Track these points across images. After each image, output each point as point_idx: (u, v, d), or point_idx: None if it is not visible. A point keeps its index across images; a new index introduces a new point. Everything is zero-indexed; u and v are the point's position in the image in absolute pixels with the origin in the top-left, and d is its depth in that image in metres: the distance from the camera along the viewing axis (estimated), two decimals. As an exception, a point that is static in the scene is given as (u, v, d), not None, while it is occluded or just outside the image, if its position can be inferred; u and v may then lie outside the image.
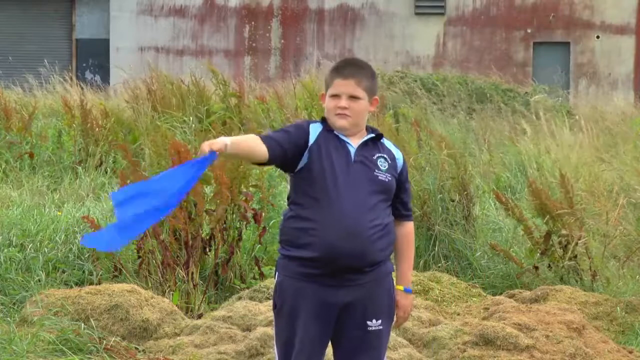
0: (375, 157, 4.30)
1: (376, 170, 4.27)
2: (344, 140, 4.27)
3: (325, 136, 4.26)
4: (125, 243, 4.00)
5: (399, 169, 4.36)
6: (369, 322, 4.29)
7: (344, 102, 4.27)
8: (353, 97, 4.28)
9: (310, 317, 4.23)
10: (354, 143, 4.29)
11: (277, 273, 4.35)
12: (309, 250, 4.19)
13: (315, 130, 4.27)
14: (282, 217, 4.35)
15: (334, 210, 4.16)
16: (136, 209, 3.88)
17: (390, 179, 4.29)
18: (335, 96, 4.29)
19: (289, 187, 4.35)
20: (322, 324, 4.24)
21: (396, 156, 4.37)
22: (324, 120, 4.33)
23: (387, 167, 4.30)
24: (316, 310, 4.22)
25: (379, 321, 4.31)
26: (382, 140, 4.37)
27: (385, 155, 4.33)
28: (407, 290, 4.44)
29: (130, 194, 3.92)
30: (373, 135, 4.34)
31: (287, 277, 4.28)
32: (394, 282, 4.41)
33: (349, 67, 4.33)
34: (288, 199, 4.31)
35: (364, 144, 4.30)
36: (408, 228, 4.43)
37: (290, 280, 4.26)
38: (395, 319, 4.43)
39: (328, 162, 4.20)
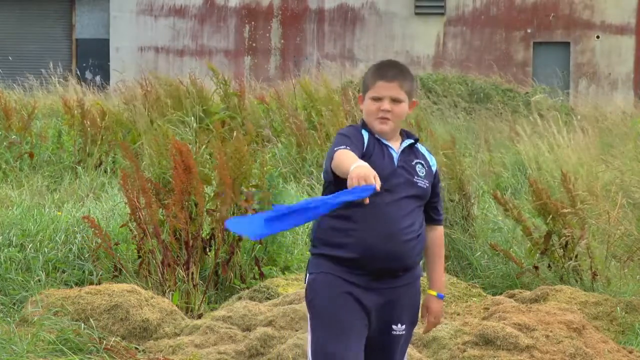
0: (414, 163, 4.26)
1: (415, 177, 4.22)
2: (387, 145, 4.22)
3: (372, 141, 4.20)
4: (267, 233, 3.79)
5: (433, 175, 4.32)
6: (394, 326, 4.23)
7: (387, 105, 4.20)
8: (395, 100, 4.22)
9: (348, 317, 4.13)
10: (395, 147, 4.24)
11: (308, 273, 4.24)
12: (346, 251, 4.13)
13: (365, 136, 4.22)
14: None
15: (375, 213, 4.10)
16: (287, 210, 3.79)
17: (427, 185, 4.26)
18: (377, 99, 4.22)
19: (324, 187, 4.25)
20: (360, 324, 4.15)
21: (430, 162, 4.33)
22: (364, 124, 4.27)
23: (424, 173, 4.26)
24: (352, 309, 4.14)
25: (403, 326, 4.25)
26: (417, 145, 4.33)
27: (422, 162, 4.29)
28: (439, 296, 4.38)
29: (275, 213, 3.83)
30: (412, 141, 4.30)
31: (320, 274, 4.18)
32: (420, 287, 4.35)
33: (392, 69, 4.27)
34: None
35: (404, 149, 4.26)
36: (439, 232, 4.39)
37: (325, 277, 4.17)
38: (426, 324, 4.39)
39: (375, 166, 4.05)
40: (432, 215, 4.34)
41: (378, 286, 4.17)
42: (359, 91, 4.46)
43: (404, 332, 4.26)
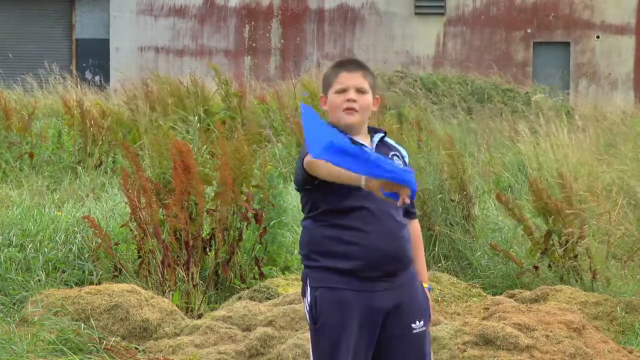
0: (390, 156, 4.17)
1: None
2: (358, 142, 4.10)
3: None
4: (322, 157, 3.58)
5: (407, 165, 4.23)
6: (413, 325, 4.15)
7: (352, 95, 4.10)
8: (360, 91, 4.12)
9: (354, 326, 4.05)
10: (367, 144, 4.14)
11: (309, 287, 4.11)
12: (349, 258, 4.03)
13: None
14: (304, 228, 4.15)
15: (372, 217, 4.03)
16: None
17: None
18: (342, 91, 4.12)
19: (304, 198, 4.13)
20: (369, 333, 4.08)
21: (402, 153, 4.26)
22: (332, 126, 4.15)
23: (401, 164, 4.18)
24: (362, 319, 4.06)
25: (422, 322, 4.18)
26: (386, 139, 4.25)
27: (397, 154, 4.21)
28: (428, 288, 4.32)
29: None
30: (382, 134, 4.22)
31: (325, 289, 4.07)
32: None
33: (351, 62, 4.20)
34: (311, 210, 4.10)
35: (377, 144, 4.17)
36: (416, 225, 4.31)
37: (330, 292, 4.06)
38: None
39: None
40: (408, 209, 4.22)
41: (386, 287, 4.09)
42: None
43: (423, 328, 4.19)
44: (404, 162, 4.25)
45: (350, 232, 4.04)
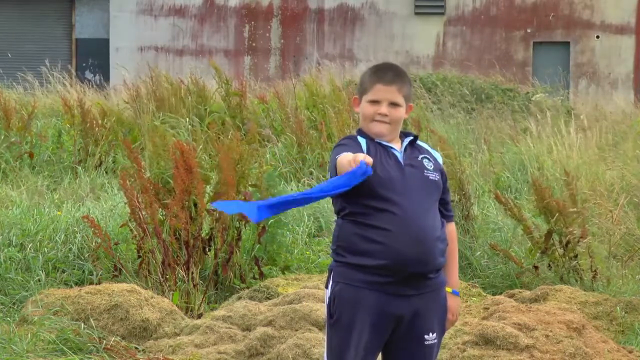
0: (420, 158, 4.21)
1: (425, 171, 4.18)
2: (388, 146, 4.17)
3: (372, 146, 4.15)
4: (262, 217, 3.78)
5: (440, 169, 4.26)
6: (426, 336, 4.17)
7: (384, 109, 4.16)
8: (393, 104, 4.17)
9: (367, 326, 4.08)
10: (396, 147, 4.19)
11: (331, 281, 4.17)
12: (373, 258, 4.05)
13: (362, 142, 4.17)
14: (336, 224, 4.21)
15: (398, 217, 4.04)
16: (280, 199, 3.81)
17: (438, 177, 4.21)
18: (375, 102, 4.18)
19: (335, 200, 4.18)
20: (378, 334, 4.11)
21: (435, 156, 4.29)
22: (360, 131, 4.22)
23: (432, 166, 4.21)
24: (373, 319, 4.08)
25: (434, 334, 4.20)
26: (418, 142, 4.28)
27: (427, 156, 4.24)
28: (455, 293, 4.32)
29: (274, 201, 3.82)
30: (412, 137, 4.25)
31: (345, 285, 4.11)
32: (446, 294, 4.29)
33: (390, 72, 4.21)
34: (341, 211, 4.15)
35: (406, 148, 4.21)
36: (451, 228, 4.32)
37: (349, 288, 4.10)
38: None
39: (383, 170, 4.08)
40: (442, 212, 4.27)
41: (407, 292, 4.10)
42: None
43: (435, 340, 4.21)
44: (436, 164, 4.26)
45: (375, 230, 4.06)
